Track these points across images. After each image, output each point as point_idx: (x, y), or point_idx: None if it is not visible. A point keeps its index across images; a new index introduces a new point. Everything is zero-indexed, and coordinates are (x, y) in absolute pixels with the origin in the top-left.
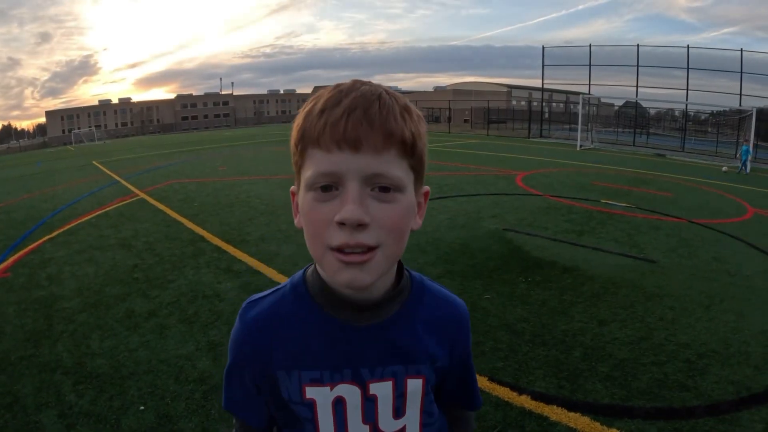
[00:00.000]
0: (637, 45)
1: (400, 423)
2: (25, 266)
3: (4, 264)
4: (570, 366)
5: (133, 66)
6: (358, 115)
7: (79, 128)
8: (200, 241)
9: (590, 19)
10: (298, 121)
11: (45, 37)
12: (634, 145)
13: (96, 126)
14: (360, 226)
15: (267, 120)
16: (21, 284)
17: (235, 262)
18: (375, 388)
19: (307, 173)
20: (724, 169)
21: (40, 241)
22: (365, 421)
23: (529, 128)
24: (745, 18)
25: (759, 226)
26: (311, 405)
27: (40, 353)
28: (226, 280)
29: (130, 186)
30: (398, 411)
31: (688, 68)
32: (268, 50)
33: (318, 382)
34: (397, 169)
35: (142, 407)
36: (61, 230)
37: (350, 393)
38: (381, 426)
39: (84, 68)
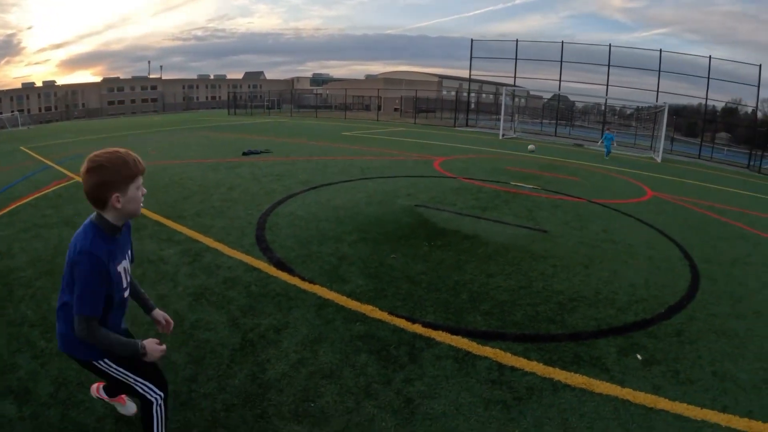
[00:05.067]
0: (561, 42)
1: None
2: None
3: None
4: (457, 305)
5: (58, 47)
6: None
7: (0, 113)
8: (140, 218)
9: (527, 14)
10: (128, 163)
11: None
12: (555, 136)
13: (19, 110)
14: None
15: (196, 106)
16: None
17: (175, 233)
18: (126, 262)
19: (137, 183)
20: (530, 147)
21: None
22: (127, 279)
23: (455, 117)
24: (677, 20)
25: (654, 207)
26: (118, 274)
27: (5, 313)
28: (167, 247)
29: (64, 170)
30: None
31: (609, 65)
32: (199, 33)
33: (119, 264)
34: None
35: None
36: (2, 212)
37: (125, 265)
38: (130, 279)
39: (6, 48)
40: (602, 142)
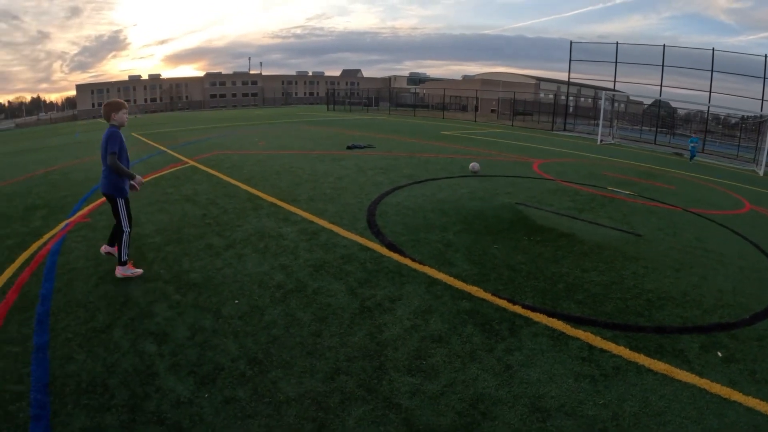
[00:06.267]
0: (663, 45)
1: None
2: (101, 214)
3: (81, 212)
4: (553, 293)
5: (162, 42)
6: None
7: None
8: (257, 199)
9: (626, 14)
10: (120, 103)
11: (75, 12)
12: (654, 143)
13: (126, 100)
14: None
15: (294, 101)
16: (103, 226)
17: (291, 214)
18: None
19: (124, 110)
20: (472, 166)
21: None
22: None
23: (553, 121)
24: None
25: (750, 219)
26: (123, 142)
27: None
28: (285, 226)
29: (177, 155)
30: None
31: (712, 70)
32: (298, 31)
33: (123, 140)
34: None
35: (236, 301)
36: None
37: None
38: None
39: (113, 43)
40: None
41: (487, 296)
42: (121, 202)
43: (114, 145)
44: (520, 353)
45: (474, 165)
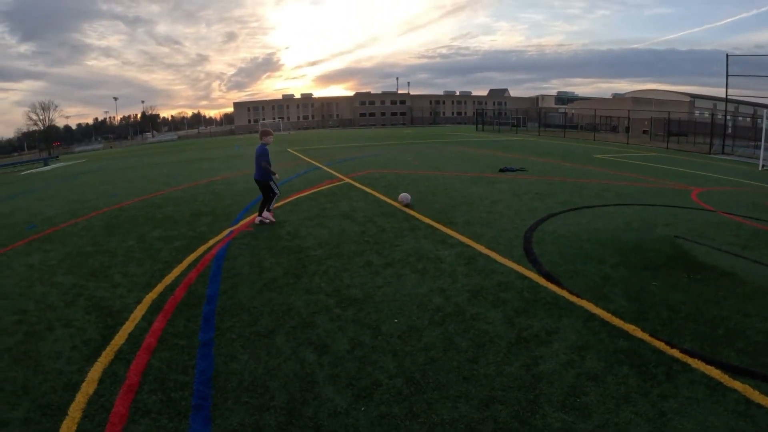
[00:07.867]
0: None
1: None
2: (263, 224)
3: (244, 221)
4: (713, 338)
5: (313, 64)
6: None
7: (264, 119)
8: (413, 220)
9: None
10: (270, 132)
11: (231, 37)
12: None
13: (279, 117)
14: None
15: (442, 120)
16: (265, 236)
17: (448, 237)
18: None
19: (271, 136)
20: (402, 197)
21: None
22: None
23: (710, 144)
24: None
25: None
26: (269, 156)
27: (301, 282)
28: (443, 249)
29: (333, 171)
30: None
31: None
32: (443, 51)
33: (268, 154)
34: None
35: (395, 320)
36: (286, 201)
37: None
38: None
39: (267, 65)
40: None
41: (645, 336)
42: (273, 181)
43: (265, 158)
44: (675, 400)
45: (404, 197)
